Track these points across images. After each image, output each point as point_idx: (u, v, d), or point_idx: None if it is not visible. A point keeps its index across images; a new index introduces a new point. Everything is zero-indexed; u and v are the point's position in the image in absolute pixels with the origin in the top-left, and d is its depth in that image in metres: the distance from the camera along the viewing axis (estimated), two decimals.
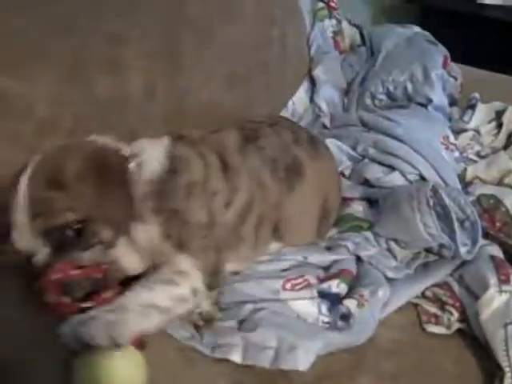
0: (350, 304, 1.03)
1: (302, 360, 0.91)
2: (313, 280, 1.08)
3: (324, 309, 1.03)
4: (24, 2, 1.08)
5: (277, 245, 1.17)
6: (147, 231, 0.99)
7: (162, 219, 0.99)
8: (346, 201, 1.32)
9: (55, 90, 1.08)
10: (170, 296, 0.92)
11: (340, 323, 1.01)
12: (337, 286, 1.07)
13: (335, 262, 1.16)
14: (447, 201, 1.13)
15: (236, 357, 0.93)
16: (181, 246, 0.98)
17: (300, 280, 1.07)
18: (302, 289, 1.06)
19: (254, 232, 1.12)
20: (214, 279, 1.00)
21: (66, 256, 0.89)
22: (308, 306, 1.02)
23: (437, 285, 1.11)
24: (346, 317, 1.01)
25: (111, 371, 0.79)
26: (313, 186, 1.21)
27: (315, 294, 1.05)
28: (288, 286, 1.06)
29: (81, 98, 1.13)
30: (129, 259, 0.97)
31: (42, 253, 0.90)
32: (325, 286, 1.07)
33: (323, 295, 1.05)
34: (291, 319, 1.00)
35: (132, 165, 1.00)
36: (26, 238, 0.91)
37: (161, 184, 1.01)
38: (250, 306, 1.01)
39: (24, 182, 0.92)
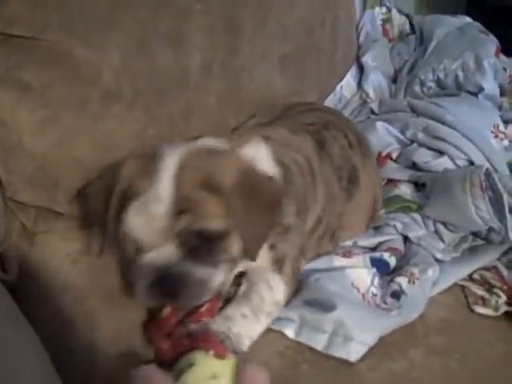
0: (402, 281, 1.05)
1: (355, 352, 0.92)
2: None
3: (376, 281, 1.05)
4: None
5: (331, 246, 1.18)
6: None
7: (275, 232, 0.97)
8: (394, 182, 1.35)
9: (122, 60, 1.09)
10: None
11: (390, 300, 1.03)
12: (389, 257, 1.11)
13: (383, 242, 1.18)
14: (500, 186, 1.14)
15: (290, 332, 0.96)
16: (278, 262, 0.99)
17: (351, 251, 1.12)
18: (354, 255, 1.09)
19: (317, 243, 1.13)
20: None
21: (194, 266, 0.86)
22: (362, 274, 1.04)
23: (484, 268, 1.12)
24: (398, 295, 1.03)
25: None
26: (367, 192, 1.22)
27: (368, 261, 1.09)
28: (340, 253, 1.10)
29: (144, 69, 1.14)
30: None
31: (170, 253, 0.85)
32: (377, 254, 1.11)
33: (376, 263, 1.08)
34: (348, 297, 1.01)
35: None
36: (158, 232, 0.85)
37: None
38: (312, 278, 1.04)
39: (167, 175, 0.87)
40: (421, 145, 1.38)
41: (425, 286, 1.06)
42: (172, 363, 0.74)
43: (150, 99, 1.17)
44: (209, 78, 1.28)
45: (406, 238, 1.20)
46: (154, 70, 1.16)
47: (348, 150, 1.20)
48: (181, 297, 0.85)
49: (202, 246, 0.85)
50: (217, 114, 1.32)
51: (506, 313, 1.06)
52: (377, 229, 1.23)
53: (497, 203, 1.14)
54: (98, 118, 1.08)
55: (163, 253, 0.85)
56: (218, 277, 0.88)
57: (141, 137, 1.17)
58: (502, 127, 1.42)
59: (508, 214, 1.12)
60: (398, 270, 1.10)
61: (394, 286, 1.04)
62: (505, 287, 1.08)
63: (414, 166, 1.36)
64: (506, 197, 1.14)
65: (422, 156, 1.35)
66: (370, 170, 1.25)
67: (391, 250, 1.15)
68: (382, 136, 1.43)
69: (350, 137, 1.24)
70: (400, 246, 1.18)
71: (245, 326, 0.92)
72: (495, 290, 1.08)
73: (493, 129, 1.40)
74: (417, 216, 1.25)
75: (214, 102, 1.31)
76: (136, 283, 0.87)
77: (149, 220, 0.85)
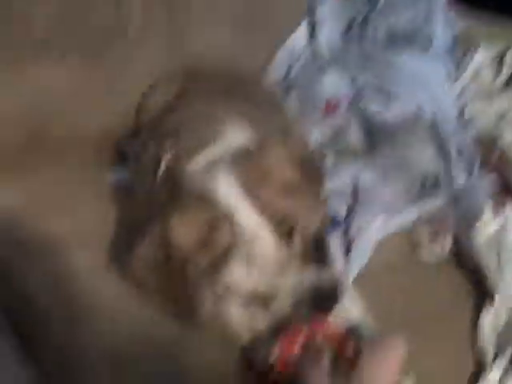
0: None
1: None
2: None
3: None
4: None
5: None
6: None
7: None
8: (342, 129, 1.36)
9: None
10: None
11: None
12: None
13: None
14: (445, 132, 1.20)
15: None
16: None
17: None
18: None
19: None
20: None
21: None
22: None
23: (432, 212, 1.16)
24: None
25: None
26: None
27: None
28: None
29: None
30: None
31: (300, 278, 0.80)
32: None
33: None
34: None
35: None
36: (279, 267, 0.80)
37: None
38: None
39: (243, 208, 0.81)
40: (371, 93, 1.41)
41: (371, 235, 1.09)
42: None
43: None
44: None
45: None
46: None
47: None
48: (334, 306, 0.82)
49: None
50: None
51: (451, 257, 1.10)
52: None
53: (443, 150, 1.19)
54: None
55: (297, 279, 0.80)
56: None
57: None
58: (453, 76, 1.47)
59: (454, 161, 1.18)
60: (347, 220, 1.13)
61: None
62: (451, 231, 1.13)
63: (364, 115, 1.38)
64: (452, 144, 1.19)
65: (373, 104, 1.38)
66: None
67: None
68: (331, 84, 1.46)
69: None
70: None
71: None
72: (441, 234, 1.12)
73: (444, 77, 1.44)
74: (366, 163, 1.27)
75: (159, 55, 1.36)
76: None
77: (264, 267, 0.79)
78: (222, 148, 0.89)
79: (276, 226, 0.79)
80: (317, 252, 0.83)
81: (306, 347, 0.77)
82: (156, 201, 0.92)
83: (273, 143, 0.89)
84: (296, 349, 0.77)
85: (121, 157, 1.21)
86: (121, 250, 0.95)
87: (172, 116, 1.09)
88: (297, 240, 0.80)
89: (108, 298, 0.96)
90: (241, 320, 0.84)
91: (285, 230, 0.80)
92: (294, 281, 0.79)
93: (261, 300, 0.81)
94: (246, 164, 0.84)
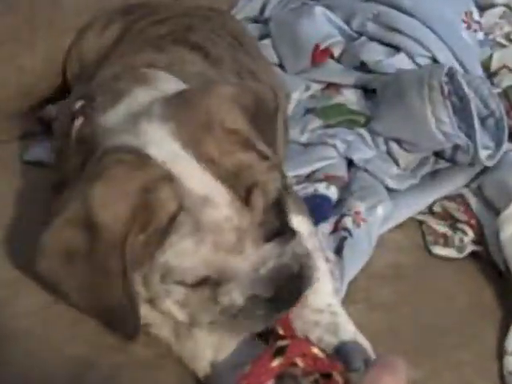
0: (347, 223, 0.96)
1: None
2: None
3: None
4: None
5: None
6: None
7: None
8: (335, 87, 1.23)
9: None
10: None
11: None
12: (326, 188, 1.01)
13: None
14: (467, 89, 1.04)
15: None
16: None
17: None
18: None
19: None
20: None
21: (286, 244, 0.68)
22: None
23: (448, 198, 1.05)
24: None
25: None
26: None
27: None
28: None
29: None
30: None
31: (267, 250, 0.66)
32: (310, 189, 1.00)
33: (310, 203, 0.94)
34: None
35: None
36: (238, 238, 0.65)
37: None
38: None
39: (191, 164, 0.66)
40: (371, 38, 1.24)
41: (372, 229, 0.96)
42: None
43: None
44: None
45: (350, 162, 1.10)
46: None
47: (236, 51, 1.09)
48: (305, 287, 0.70)
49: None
50: None
51: (472, 254, 0.99)
52: (311, 149, 1.11)
53: (464, 113, 1.04)
54: None
55: (257, 257, 0.65)
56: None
57: None
58: (476, 15, 1.29)
59: (478, 126, 1.02)
60: (340, 205, 1.01)
61: (342, 233, 0.95)
62: (472, 221, 1.01)
63: (363, 67, 1.23)
64: (475, 104, 1.04)
65: (373, 53, 1.22)
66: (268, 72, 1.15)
67: (329, 178, 1.04)
68: (321, 25, 1.28)
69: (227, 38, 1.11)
70: (342, 172, 1.07)
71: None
72: (460, 226, 1.01)
73: (465, 17, 1.26)
74: (365, 132, 1.13)
75: None
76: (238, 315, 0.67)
77: (218, 236, 0.63)
78: (147, 96, 0.75)
79: (230, 185, 0.65)
80: (276, 220, 0.68)
81: (281, 377, 0.66)
82: (71, 171, 0.78)
83: (216, 85, 0.76)
84: (270, 380, 0.64)
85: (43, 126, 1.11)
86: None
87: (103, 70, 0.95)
88: (258, 202, 0.65)
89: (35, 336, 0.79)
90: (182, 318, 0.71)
91: (242, 188, 0.65)
92: (253, 260, 0.65)
93: (208, 288, 0.67)
94: (184, 109, 0.70)
